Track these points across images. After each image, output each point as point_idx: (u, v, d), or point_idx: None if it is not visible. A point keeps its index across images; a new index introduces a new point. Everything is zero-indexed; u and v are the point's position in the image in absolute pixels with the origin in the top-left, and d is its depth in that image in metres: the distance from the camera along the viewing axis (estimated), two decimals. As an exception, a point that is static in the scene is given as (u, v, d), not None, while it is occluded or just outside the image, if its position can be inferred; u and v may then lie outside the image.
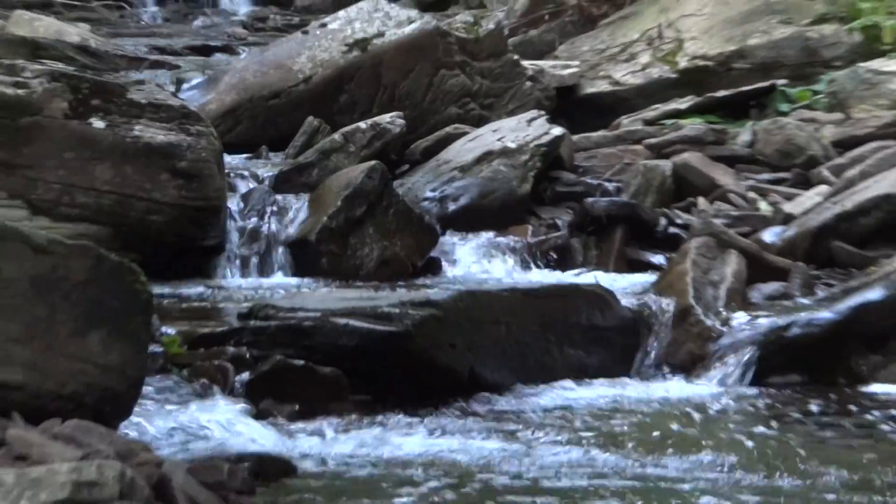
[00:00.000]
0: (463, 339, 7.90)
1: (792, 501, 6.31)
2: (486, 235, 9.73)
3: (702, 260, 8.74)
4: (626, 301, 8.59)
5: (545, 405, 7.81)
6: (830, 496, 6.37)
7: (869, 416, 7.67)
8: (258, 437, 7.03)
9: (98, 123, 9.54)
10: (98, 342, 6.50)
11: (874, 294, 8.30)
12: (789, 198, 9.99)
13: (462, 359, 7.82)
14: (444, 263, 9.57)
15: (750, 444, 7.03)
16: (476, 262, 9.69)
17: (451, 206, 9.71)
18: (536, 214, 9.94)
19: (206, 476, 5.68)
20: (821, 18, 10.83)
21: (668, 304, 8.49)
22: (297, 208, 9.66)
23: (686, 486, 6.42)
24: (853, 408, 7.79)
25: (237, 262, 9.79)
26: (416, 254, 9.45)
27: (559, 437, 7.14)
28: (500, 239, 9.60)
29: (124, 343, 6.59)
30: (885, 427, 7.40)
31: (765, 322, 8.37)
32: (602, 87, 11.33)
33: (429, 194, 9.72)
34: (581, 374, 8.10)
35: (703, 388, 8.12)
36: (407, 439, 7.07)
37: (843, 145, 10.25)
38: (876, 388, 8.08)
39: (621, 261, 9.48)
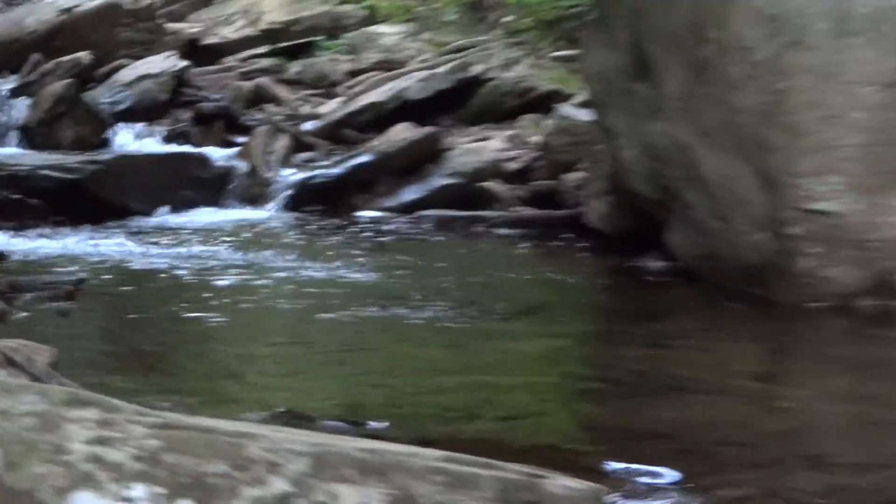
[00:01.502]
0: (120, 183, 8.51)
1: (306, 270, 6.29)
2: (140, 125, 9.71)
3: (265, 140, 8.95)
4: (220, 162, 9.02)
5: (175, 223, 8.12)
6: (316, 267, 6.37)
7: (357, 228, 7.90)
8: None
9: None
10: None
11: (364, 158, 8.78)
12: (320, 104, 10.14)
13: (120, 195, 8.42)
14: (113, 140, 9.56)
15: (296, 242, 7.38)
16: (135, 140, 9.66)
17: (119, 107, 9.79)
18: (171, 113, 9.99)
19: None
20: (343, 1, 11.10)
21: (244, 165, 8.82)
22: (25, 107, 9.60)
23: (273, 265, 6.40)
24: (349, 223, 8.10)
25: (-19, 139, 9.81)
26: (95, 135, 9.53)
27: (174, 240, 7.43)
28: (150, 127, 9.66)
29: None
30: (366, 234, 7.66)
31: (300, 175, 8.84)
32: (215, 40, 11.43)
33: (105, 100, 9.80)
34: (193, 205, 8.60)
35: (265, 213, 8.54)
36: (79, 242, 7.31)
37: (353, 74, 10.41)
38: (364, 213, 8.37)
39: (219, 140, 9.47)
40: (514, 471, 2.22)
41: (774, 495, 3.39)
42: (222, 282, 5.97)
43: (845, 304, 5.18)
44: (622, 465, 3.54)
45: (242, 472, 1.95)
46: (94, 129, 9.64)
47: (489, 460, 2.28)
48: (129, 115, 9.91)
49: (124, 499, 1.87)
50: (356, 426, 3.78)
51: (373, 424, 3.81)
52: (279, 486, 1.97)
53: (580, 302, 5.87)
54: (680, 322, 5.24)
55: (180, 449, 1.98)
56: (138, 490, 1.88)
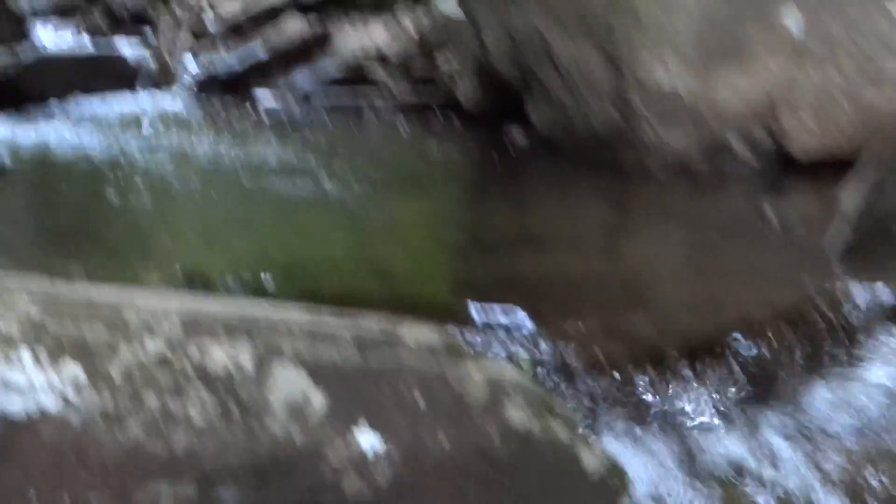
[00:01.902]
0: (40, 78, 7.96)
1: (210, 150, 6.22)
2: (56, 20, 9.46)
3: (172, 33, 9.01)
4: (131, 55, 8.69)
5: (91, 112, 7.72)
6: (220, 148, 6.26)
7: (257, 115, 7.65)
8: None
9: None
10: None
11: (259, 50, 8.40)
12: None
13: (47, 89, 7.82)
14: (31, 35, 9.21)
15: (203, 127, 7.06)
16: (51, 36, 9.36)
17: (36, 4, 9.49)
18: (86, 8, 9.70)
19: None
20: None
21: (153, 57, 8.70)
22: None
23: (182, 148, 6.30)
24: (250, 111, 7.78)
25: None
26: (13, 30, 9.02)
27: (90, 127, 7.11)
28: (65, 22, 9.40)
29: None
30: (265, 120, 7.44)
31: (204, 66, 8.50)
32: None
33: None
34: (107, 93, 8.09)
35: (173, 101, 8.13)
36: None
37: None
38: (262, 101, 8.00)
39: (130, 33, 9.24)
40: (373, 323, 2.22)
41: (612, 333, 3.43)
42: (136, 163, 5.88)
43: (682, 167, 5.20)
44: (483, 313, 3.52)
45: (121, 335, 1.92)
46: (11, 25, 9.03)
47: (351, 315, 2.27)
48: (46, 12, 9.62)
49: (10, 360, 1.84)
50: (251, 286, 3.76)
51: (268, 283, 3.79)
52: (154, 346, 1.95)
53: (454, 172, 5.90)
54: (540, 186, 5.29)
55: (63, 316, 1.95)
56: (24, 354, 1.85)
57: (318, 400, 2.00)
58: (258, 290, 3.73)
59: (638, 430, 3.18)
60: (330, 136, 6.85)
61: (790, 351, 3.48)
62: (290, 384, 1.99)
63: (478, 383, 2.12)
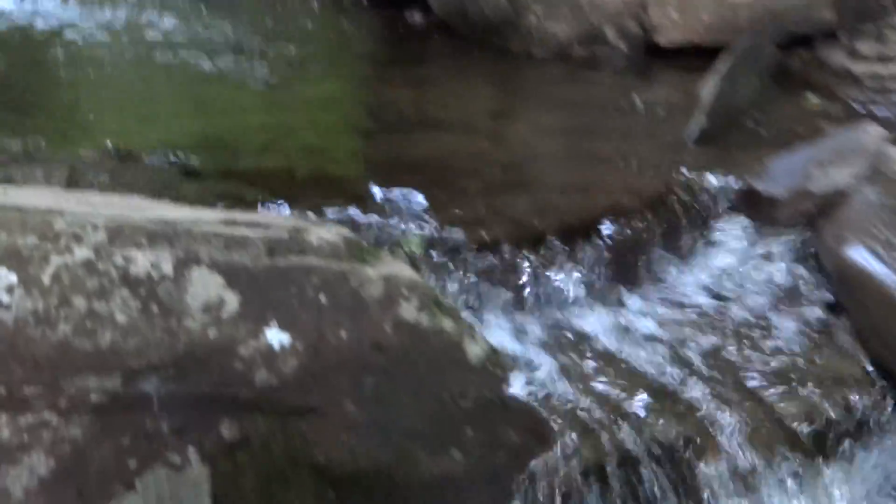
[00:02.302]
0: None
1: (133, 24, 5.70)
2: None
3: None
4: None
5: None
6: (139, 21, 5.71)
7: None
8: None
9: None
10: None
11: None
12: None
13: None
14: None
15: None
16: None
17: None
18: None
19: None
20: None
21: None
22: None
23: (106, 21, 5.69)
24: None
25: None
26: None
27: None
28: None
29: None
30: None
31: None
32: None
33: None
34: None
35: None
36: None
37: None
38: None
39: None
40: (282, 226, 2.19)
41: (498, 214, 3.39)
42: (68, 38, 5.43)
43: (563, 53, 5.13)
44: (382, 193, 3.46)
45: (51, 243, 1.88)
46: None
47: (262, 219, 2.24)
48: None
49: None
50: (175, 162, 3.65)
51: (190, 160, 3.64)
52: (82, 253, 1.90)
53: (358, 51, 5.64)
54: (437, 68, 5.13)
55: None
56: (-39, 263, 1.79)
57: (231, 300, 1.98)
58: (180, 166, 3.62)
59: (516, 307, 3.21)
60: (248, 17, 6.19)
61: (652, 234, 3.50)
62: (206, 286, 1.96)
63: (375, 282, 2.11)
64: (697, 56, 4.83)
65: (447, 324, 2.16)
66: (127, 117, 4.39)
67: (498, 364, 2.23)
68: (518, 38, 5.22)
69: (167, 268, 1.94)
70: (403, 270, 2.21)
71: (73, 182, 3.37)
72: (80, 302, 1.88)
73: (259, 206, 3.22)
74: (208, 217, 2.05)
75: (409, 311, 2.11)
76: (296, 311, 2.02)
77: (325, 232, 2.18)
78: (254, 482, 1.99)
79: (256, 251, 2.02)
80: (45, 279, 1.87)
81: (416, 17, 5.91)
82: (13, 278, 1.84)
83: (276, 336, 1.99)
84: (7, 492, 1.83)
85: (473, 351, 2.18)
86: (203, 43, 5.48)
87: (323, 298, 2.04)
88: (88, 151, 3.68)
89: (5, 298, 1.83)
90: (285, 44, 5.52)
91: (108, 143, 3.71)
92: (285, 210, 3.22)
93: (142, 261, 1.92)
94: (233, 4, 6.53)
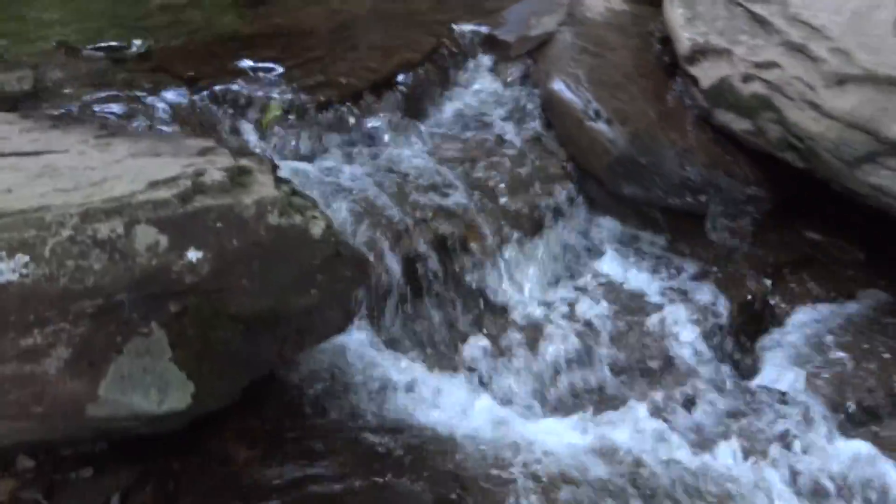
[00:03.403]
0: None
1: None
2: None
3: None
4: None
5: None
6: None
7: None
8: None
9: None
10: None
11: None
12: None
13: None
14: None
15: None
16: None
17: None
18: None
19: None
20: None
21: None
22: None
23: None
24: None
25: None
26: None
27: None
28: None
29: None
30: None
31: None
32: None
33: None
34: None
35: None
36: None
37: None
38: None
39: None
40: (188, 175, 2.33)
41: (330, 78, 3.39)
42: None
43: None
44: (251, 64, 3.43)
45: (45, 231, 2.08)
46: None
47: (173, 165, 2.34)
48: None
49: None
50: (114, 51, 3.52)
51: (113, 49, 3.51)
52: (66, 233, 2.11)
53: None
54: None
55: (9, 228, 2.08)
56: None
57: (163, 240, 2.12)
58: (109, 55, 3.46)
59: (348, 146, 3.34)
60: None
61: (431, 77, 3.60)
62: (146, 236, 2.10)
63: (250, 206, 2.20)
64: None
65: (297, 218, 2.24)
66: (66, 15, 4.00)
67: (332, 232, 2.28)
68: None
69: (120, 230, 2.08)
70: (268, 191, 2.24)
71: (39, 81, 3.37)
72: (70, 262, 2.04)
73: (161, 91, 3.11)
74: (140, 186, 2.23)
75: (273, 218, 2.20)
76: (203, 236, 2.13)
77: (216, 173, 2.33)
78: (193, 331, 2.13)
79: (173, 205, 2.21)
80: (46, 253, 2.03)
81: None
82: (26, 258, 2.06)
83: (193, 254, 2.13)
84: (46, 372, 2.02)
85: (316, 230, 2.26)
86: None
87: (219, 224, 2.16)
88: (42, 49, 3.53)
89: (24, 271, 2.06)
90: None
91: (54, 42, 3.57)
92: (185, 93, 3.18)
93: (104, 229, 2.13)
94: None
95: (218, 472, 2.14)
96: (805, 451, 2.12)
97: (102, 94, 3.02)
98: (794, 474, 2.08)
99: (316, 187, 2.89)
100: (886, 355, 2.27)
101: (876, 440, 2.15)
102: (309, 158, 3.13)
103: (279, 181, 2.42)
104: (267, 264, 2.21)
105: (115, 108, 2.96)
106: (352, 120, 3.29)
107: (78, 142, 2.45)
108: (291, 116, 3.23)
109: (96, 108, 2.95)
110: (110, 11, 3.88)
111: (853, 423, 2.23)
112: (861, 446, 2.14)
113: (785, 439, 2.13)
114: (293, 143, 3.15)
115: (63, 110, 2.82)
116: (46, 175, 2.20)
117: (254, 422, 2.25)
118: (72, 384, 2.01)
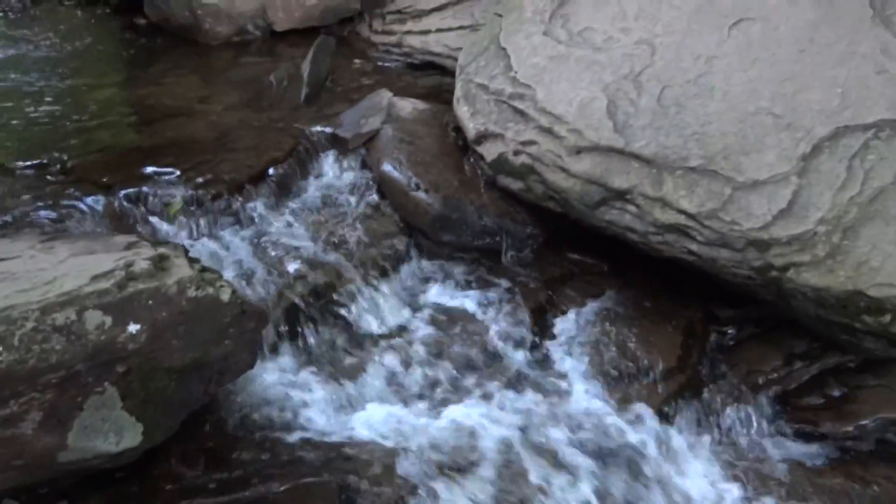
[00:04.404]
0: None
1: None
2: None
3: None
4: None
5: None
6: None
7: None
8: None
9: None
10: None
11: None
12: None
13: None
14: None
15: None
16: None
17: None
18: None
19: None
20: None
21: None
22: None
23: None
24: None
25: None
26: None
27: None
28: None
29: None
30: None
31: None
32: None
33: None
34: None
35: None
36: None
37: None
38: None
39: None
40: (121, 267, 2.28)
41: (216, 175, 3.29)
42: None
43: (229, 42, 4.82)
44: (153, 170, 3.32)
45: (13, 325, 1.99)
46: None
47: (111, 260, 2.29)
48: None
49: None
50: (43, 167, 3.24)
51: (35, 165, 3.25)
52: (30, 325, 2.02)
53: (110, 53, 4.74)
54: (162, 65, 4.46)
55: None
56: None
57: (108, 319, 2.06)
58: (36, 171, 3.22)
59: (237, 226, 3.28)
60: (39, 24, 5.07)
61: (293, 168, 3.61)
62: (94, 318, 2.05)
63: (172, 285, 2.16)
64: (301, 35, 4.74)
65: (209, 289, 2.21)
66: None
67: (237, 296, 2.25)
68: (202, 35, 4.99)
69: (73, 316, 2.04)
70: (185, 271, 2.20)
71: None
72: (35, 346, 1.99)
73: (85, 198, 2.96)
74: (85, 280, 2.15)
75: (191, 291, 2.17)
76: (138, 313, 2.09)
77: (142, 262, 2.30)
78: (137, 385, 2.09)
79: (113, 292, 2.17)
80: (16, 342, 1.97)
81: (140, 20, 5.46)
82: (0, 347, 1.97)
83: (132, 327, 2.08)
84: (24, 433, 1.95)
85: (225, 296, 2.23)
86: (10, 61, 4.50)
87: (150, 302, 2.12)
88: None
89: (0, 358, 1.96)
90: (66, 56, 4.65)
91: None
92: (104, 197, 3.06)
93: (60, 317, 2.06)
94: (30, 19, 5.28)
95: (169, 490, 2.11)
96: (572, 403, 2.29)
97: (39, 204, 2.89)
98: (574, 427, 2.21)
99: (217, 262, 2.91)
100: (629, 335, 2.50)
101: (622, 398, 2.32)
102: (210, 239, 3.08)
103: (192, 261, 2.41)
104: (190, 327, 2.18)
105: (51, 214, 2.85)
106: (237, 206, 3.25)
107: (27, 247, 2.35)
108: (192, 207, 3.18)
109: (35, 216, 2.82)
110: (35, 136, 3.62)
111: (610, 386, 2.42)
112: (610, 399, 2.36)
113: (567, 404, 2.30)
114: (195, 228, 3.09)
115: (9, 219, 2.67)
116: (8, 279, 2.10)
117: (194, 445, 2.22)
118: (45, 439, 1.96)
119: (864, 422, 2.22)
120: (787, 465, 2.19)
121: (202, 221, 3.19)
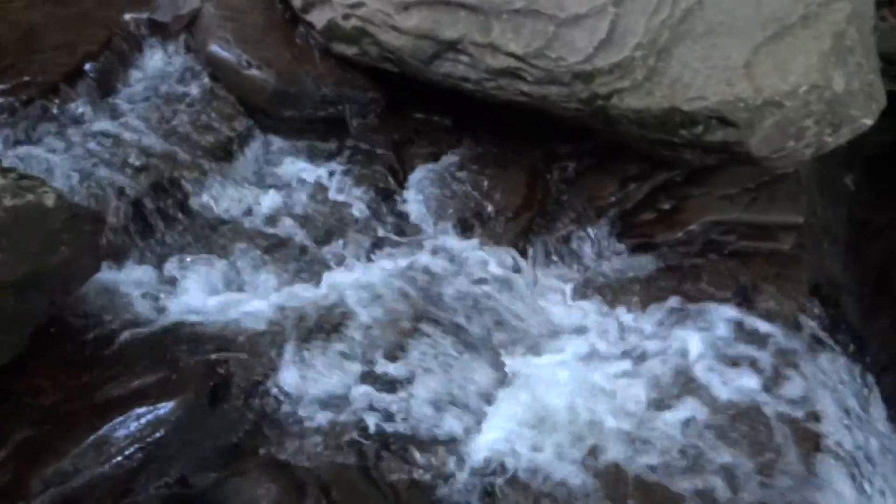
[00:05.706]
0: None
1: None
2: None
3: None
4: None
5: None
6: None
7: None
8: None
9: None
10: None
11: None
12: None
13: None
14: None
15: None
16: None
17: None
18: None
19: None
20: None
21: None
22: None
23: None
24: None
25: None
26: None
27: None
28: None
29: None
30: None
31: None
32: None
33: None
34: None
35: None
36: None
37: None
38: None
39: None
40: None
41: (25, 76, 2.99)
42: None
43: None
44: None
45: None
46: None
47: None
48: None
49: None
50: None
51: None
52: None
53: None
54: None
55: None
56: None
57: None
58: None
59: (60, 131, 3.00)
60: None
61: (113, 64, 3.28)
62: None
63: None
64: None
65: (29, 196, 2.06)
66: None
67: (63, 200, 2.10)
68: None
69: None
70: (11, 184, 2.03)
71: None
72: None
73: None
74: None
75: (7, 200, 2.02)
76: None
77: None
78: None
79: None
80: None
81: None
82: None
83: None
84: None
85: (49, 202, 2.10)
86: None
87: None
88: None
89: None
90: None
91: None
92: None
93: None
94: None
95: (34, 405, 2.02)
96: (432, 253, 2.38)
97: None
98: (436, 273, 2.34)
99: (43, 169, 2.70)
100: (478, 182, 2.58)
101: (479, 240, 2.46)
102: (32, 146, 2.85)
103: (4, 170, 2.20)
104: (14, 239, 2.01)
105: None
106: (55, 109, 3.01)
107: None
108: (3, 115, 2.92)
109: None
110: None
111: (466, 230, 2.56)
112: (466, 244, 2.46)
113: (426, 252, 2.38)
114: (11, 137, 2.85)
115: None
116: None
117: (52, 356, 2.13)
118: None
119: (691, 227, 2.39)
120: (631, 274, 2.38)
121: (18, 128, 2.93)
